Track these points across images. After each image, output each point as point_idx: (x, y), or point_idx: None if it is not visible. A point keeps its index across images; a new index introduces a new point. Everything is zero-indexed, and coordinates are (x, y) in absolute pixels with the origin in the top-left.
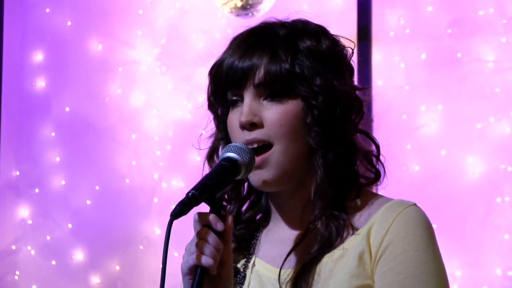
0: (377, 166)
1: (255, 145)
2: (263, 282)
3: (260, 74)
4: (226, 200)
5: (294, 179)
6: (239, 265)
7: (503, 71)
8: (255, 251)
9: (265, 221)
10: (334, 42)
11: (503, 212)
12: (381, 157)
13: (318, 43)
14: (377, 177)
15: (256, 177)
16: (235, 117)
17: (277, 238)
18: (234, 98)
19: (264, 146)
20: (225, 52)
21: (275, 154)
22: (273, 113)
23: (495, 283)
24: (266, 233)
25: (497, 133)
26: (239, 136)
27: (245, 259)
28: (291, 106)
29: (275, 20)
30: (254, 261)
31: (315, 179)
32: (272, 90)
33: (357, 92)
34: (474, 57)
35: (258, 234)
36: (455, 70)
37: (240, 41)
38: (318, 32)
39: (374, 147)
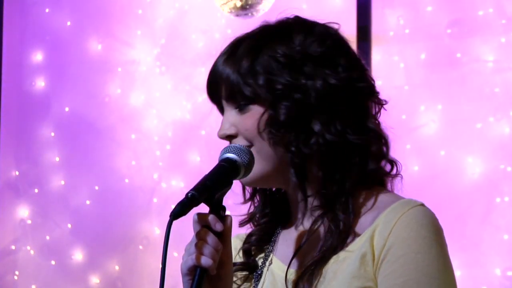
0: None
1: None
2: (275, 281)
3: (225, 88)
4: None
5: (282, 178)
6: (257, 258)
7: (502, 71)
8: (274, 248)
9: (286, 219)
10: (321, 37)
11: (502, 212)
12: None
13: (289, 45)
14: (391, 167)
15: None
16: None
17: (292, 237)
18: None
19: None
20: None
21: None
22: (242, 120)
23: (495, 283)
24: (284, 231)
25: (496, 133)
26: None
27: (264, 255)
28: (254, 112)
29: (264, 23)
30: (271, 259)
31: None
32: (237, 101)
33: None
34: (474, 57)
35: (279, 231)
36: (454, 70)
37: (219, 56)
38: (300, 31)
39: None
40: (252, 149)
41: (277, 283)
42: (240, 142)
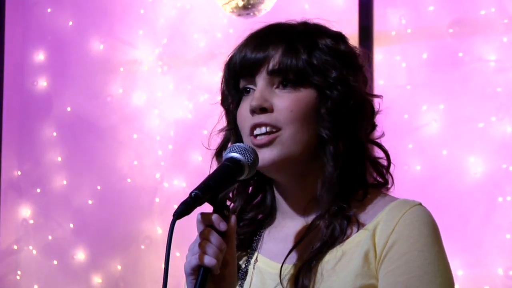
0: (386, 176)
1: (263, 129)
2: (264, 278)
3: (274, 62)
4: (231, 199)
5: (298, 166)
6: (240, 262)
7: (504, 70)
8: (258, 247)
9: (269, 220)
10: (350, 47)
11: (504, 212)
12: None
13: (336, 43)
14: (384, 184)
15: (261, 155)
16: (246, 105)
17: (281, 236)
18: (247, 86)
19: (272, 132)
20: (240, 44)
21: (282, 136)
22: (285, 99)
23: (497, 283)
24: (270, 231)
25: (498, 132)
26: (248, 121)
27: (246, 256)
28: (304, 95)
29: (293, 21)
30: (256, 257)
31: (322, 172)
32: (285, 78)
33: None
34: (476, 57)
35: (261, 231)
36: (456, 69)
37: (255, 34)
38: (336, 35)
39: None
40: (282, 132)
41: (265, 279)
42: (270, 119)
